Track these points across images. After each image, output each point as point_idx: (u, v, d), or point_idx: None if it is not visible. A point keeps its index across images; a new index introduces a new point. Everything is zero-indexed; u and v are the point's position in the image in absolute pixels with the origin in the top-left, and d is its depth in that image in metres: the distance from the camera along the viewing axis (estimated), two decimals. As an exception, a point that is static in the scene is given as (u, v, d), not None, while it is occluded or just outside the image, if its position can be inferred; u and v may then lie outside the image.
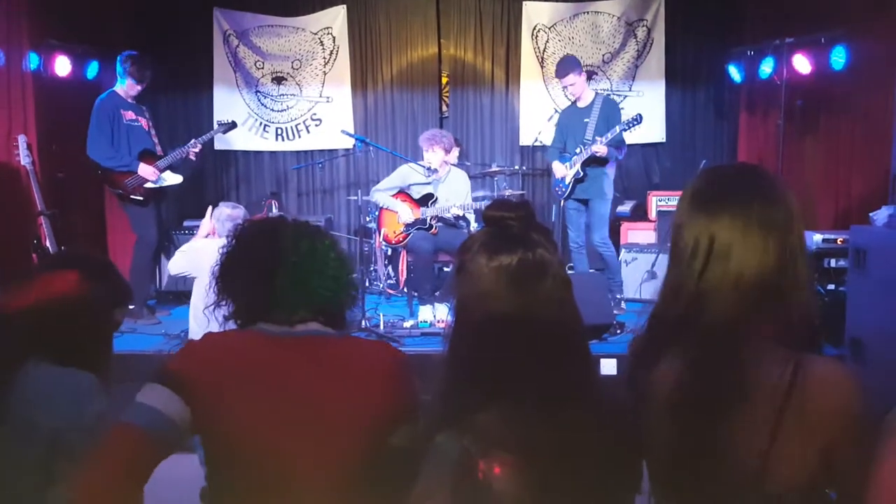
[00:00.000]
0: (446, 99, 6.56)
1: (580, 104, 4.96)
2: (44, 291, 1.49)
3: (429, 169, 4.92)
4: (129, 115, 4.68)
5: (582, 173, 4.82)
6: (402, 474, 1.20)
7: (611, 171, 4.89)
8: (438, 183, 5.04)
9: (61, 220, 4.64)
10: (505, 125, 6.47)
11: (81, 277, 1.54)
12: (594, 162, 4.78)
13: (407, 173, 5.09)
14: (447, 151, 4.97)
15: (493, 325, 1.12)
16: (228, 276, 1.36)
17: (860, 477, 1.04)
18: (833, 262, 4.11)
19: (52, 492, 1.39)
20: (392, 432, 1.25)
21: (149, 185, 4.68)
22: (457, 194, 5.02)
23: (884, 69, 4.47)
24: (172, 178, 4.82)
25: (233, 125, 5.28)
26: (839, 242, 4.11)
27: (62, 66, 5.14)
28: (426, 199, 4.99)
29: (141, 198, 4.67)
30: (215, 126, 5.50)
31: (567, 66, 4.87)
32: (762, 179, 1.20)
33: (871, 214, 3.85)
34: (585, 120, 4.83)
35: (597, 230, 4.89)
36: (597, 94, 5.04)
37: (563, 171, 4.90)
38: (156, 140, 4.83)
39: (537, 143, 6.12)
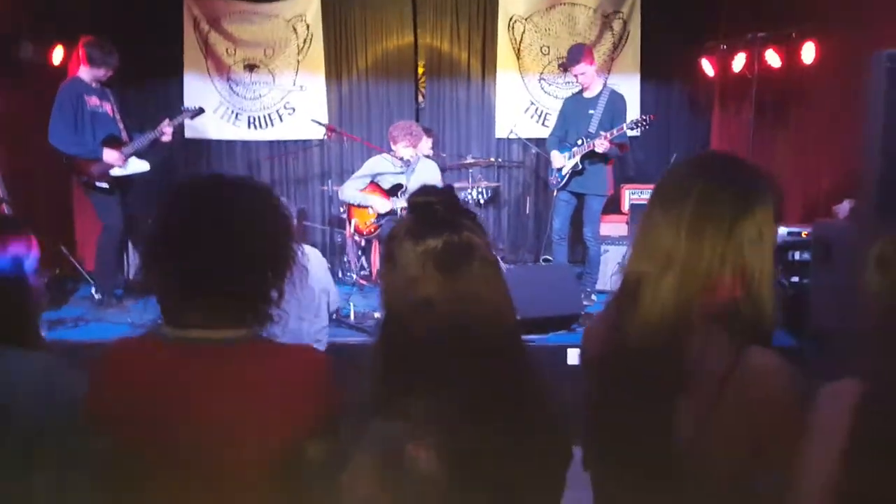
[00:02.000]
0: (422, 89, 6.53)
1: (587, 94, 4.81)
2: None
3: (402, 160, 4.89)
4: (94, 100, 4.57)
5: (581, 166, 4.73)
6: (316, 488, 1.16)
7: (610, 167, 4.81)
8: (409, 173, 5.02)
9: (24, 209, 4.55)
10: (481, 116, 6.45)
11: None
12: (594, 156, 4.67)
13: (376, 164, 5.05)
14: (415, 145, 4.93)
15: (421, 310, 1.11)
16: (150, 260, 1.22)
17: (790, 463, 1.06)
18: (798, 255, 4.16)
19: (37, 477, 1.34)
20: (308, 445, 1.17)
21: (115, 171, 4.59)
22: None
23: (851, 64, 4.51)
24: (139, 165, 4.72)
25: (200, 111, 5.15)
26: (804, 235, 4.16)
27: (25, 50, 5.01)
28: (396, 190, 4.96)
29: (106, 185, 4.58)
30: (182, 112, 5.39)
31: (577, 55, 4.70)
32: (711, 163, 1.20)
33: (834, 207, 3.90)
34: (590, 111, 4.72)
35: (588, 225, 4.86)
36: (605, 86, 4.85)
37: (562, 161, 4.79)
38: (121, 126, 4.72)
39: (512, 136, 6.12)
